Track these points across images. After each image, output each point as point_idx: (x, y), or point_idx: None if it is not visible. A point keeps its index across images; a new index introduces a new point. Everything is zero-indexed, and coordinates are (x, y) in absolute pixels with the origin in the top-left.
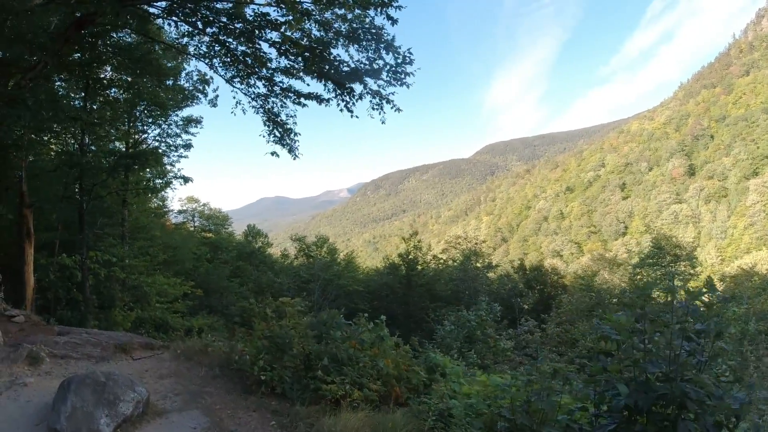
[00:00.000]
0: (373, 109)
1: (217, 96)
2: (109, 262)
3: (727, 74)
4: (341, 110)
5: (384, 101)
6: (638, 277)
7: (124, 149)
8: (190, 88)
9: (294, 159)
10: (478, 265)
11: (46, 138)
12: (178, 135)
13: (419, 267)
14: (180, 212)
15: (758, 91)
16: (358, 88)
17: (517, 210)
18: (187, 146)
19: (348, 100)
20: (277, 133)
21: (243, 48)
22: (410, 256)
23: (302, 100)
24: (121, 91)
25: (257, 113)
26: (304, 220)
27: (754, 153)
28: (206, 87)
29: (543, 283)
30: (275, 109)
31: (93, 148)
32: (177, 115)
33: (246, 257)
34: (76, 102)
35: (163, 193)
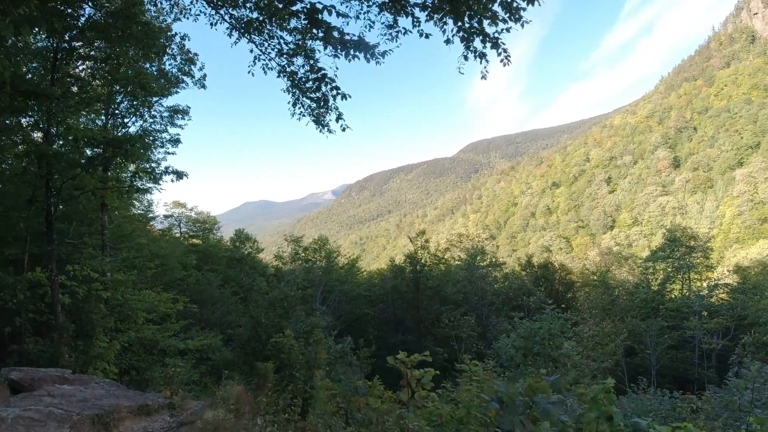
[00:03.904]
0: (465, 57)
1: (204, 75)
2: (88, 277)
3: (708, 66)
4: (447, 41)
5: (489, 45)
6: (649, 270)
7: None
8: (175, 70)
9: (343, 131)
10: (484, 263)
11: (11, 140)
12: (164, 129)
13: (427, 268)
14: (166, 217)
15: (740, 83)
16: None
17: (503, 207)
18: (175, 141)
19: (470, 24)
20: (306, 101)
21: None
22: (417, 257)
23: (351, 50)
24: (96, 66)
25: (280, 77)
26: (289, 223)
27: (738, 143)
28: (192, 67)
29: (551, 281)
30: (306, 66)
31: (61, 143)
32: (161, 105)
33: (235, 264)
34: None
35: (149, 195)
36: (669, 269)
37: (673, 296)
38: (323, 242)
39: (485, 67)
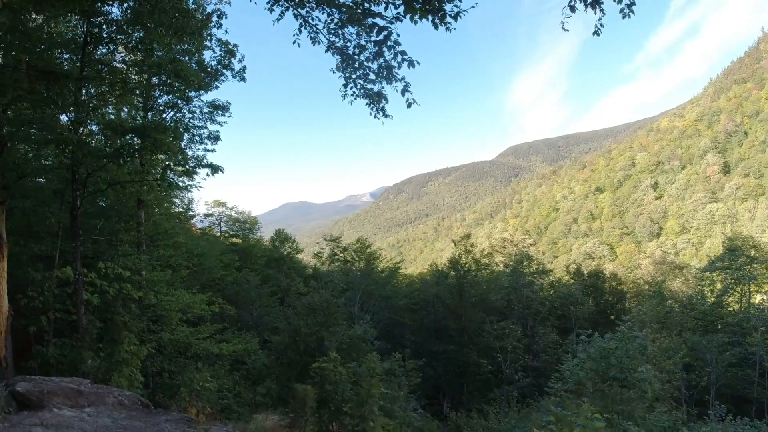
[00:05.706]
0: (572, 8)
1: (244, 68)
2: (119, 276)
3: (758, 69)
4: None
5: None
6: (705, 281)
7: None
8: (214, 63)
9: (409, 106)
10: (530, 270)
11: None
12: (203, 125)
13: (471, 274)
14: (206, 216)
15: None
16: None
17: (544, 212)
18: (215, 138)
19: None
20: (359, 81)
21: None
22: (462, 262)
23: (418, 10)
24: (129, 54)
25: (329, 52)
26: (327, 224)
27: None
28: (232, 59)
29: (600, 290)
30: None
31: (95, 129)
32: (201, 100)
33: (274, 264)
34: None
35: (189, 194)
36: (728, 280)
37: (731, 309)
38: (364, 245)
39: (600, 20)
